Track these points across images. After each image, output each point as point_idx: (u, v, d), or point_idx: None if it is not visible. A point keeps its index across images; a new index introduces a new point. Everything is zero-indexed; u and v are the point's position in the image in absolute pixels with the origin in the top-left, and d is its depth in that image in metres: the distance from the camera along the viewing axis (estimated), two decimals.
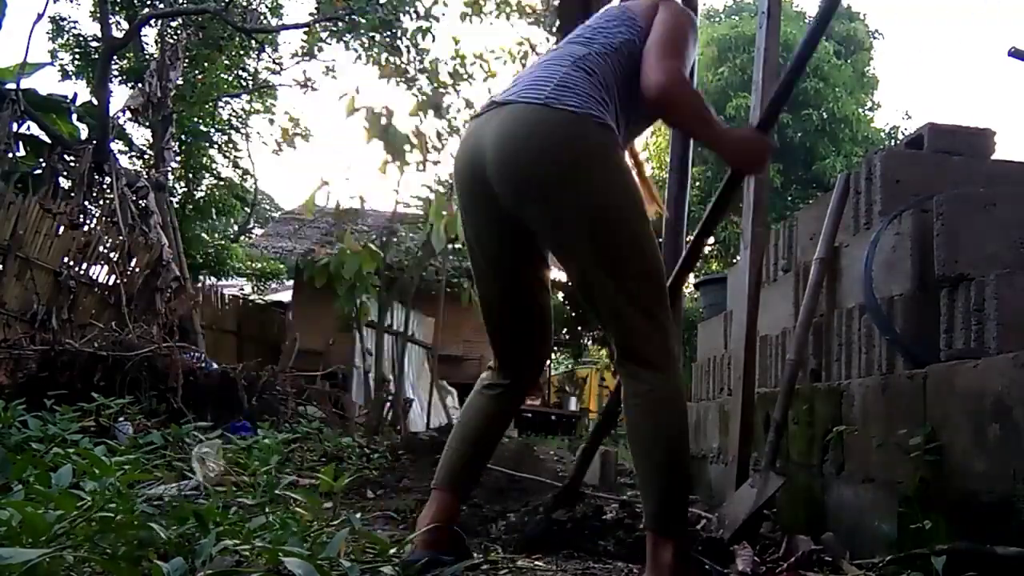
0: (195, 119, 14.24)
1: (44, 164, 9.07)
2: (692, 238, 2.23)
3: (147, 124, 11.09)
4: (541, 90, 1.67)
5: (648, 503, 1.64)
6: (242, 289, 17.61)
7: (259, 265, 18.08)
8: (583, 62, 1.73)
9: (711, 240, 17.55)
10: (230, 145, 16.36)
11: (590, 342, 21.11)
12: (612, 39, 1.78)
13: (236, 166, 16.65)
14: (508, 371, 1.91)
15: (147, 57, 12.70)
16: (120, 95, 12.76)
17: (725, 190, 1.99)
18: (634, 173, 1.84)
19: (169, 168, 10.51)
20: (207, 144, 15.50)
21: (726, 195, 2.00)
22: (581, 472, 2.53)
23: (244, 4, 13.02)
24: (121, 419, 3.90)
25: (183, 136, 13.55)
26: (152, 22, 11.77)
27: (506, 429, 2.03)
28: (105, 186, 8.88)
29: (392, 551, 1.72)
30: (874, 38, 19.59)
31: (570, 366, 25.12)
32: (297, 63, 14.64)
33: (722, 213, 2.09)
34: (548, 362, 1.85)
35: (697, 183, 15.97)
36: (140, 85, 10.47)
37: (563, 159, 1.63)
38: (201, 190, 15.77)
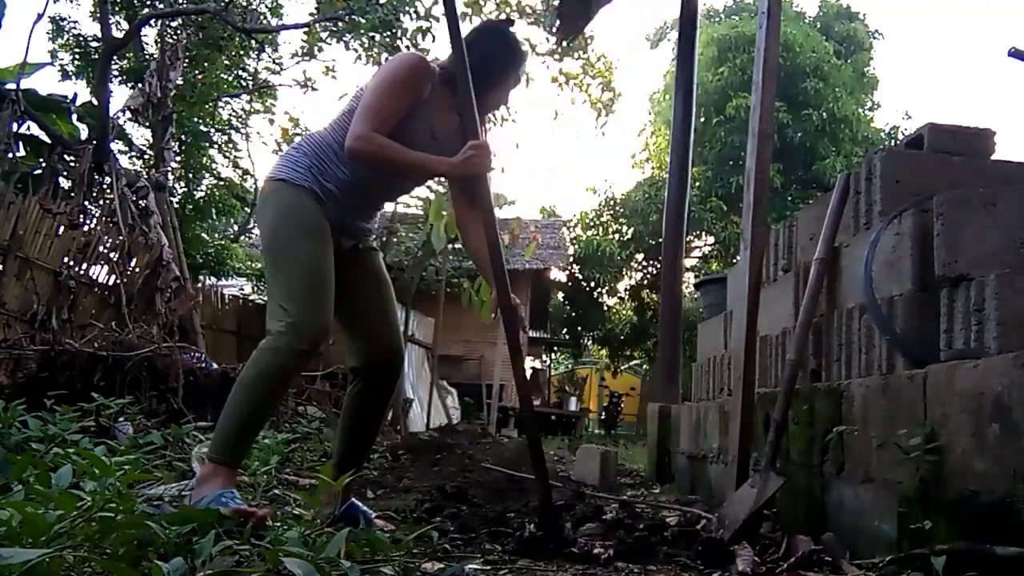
0: (195, 119, 14.24)
1: (44, 164, 9.06)
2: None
3: (147, 124, 11.08)
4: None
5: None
6: (242, 289, 17.61)
7: (259, 265, 18.09)
8: (300, 143, 2.37)
9: (711, 240, 17.58)
10: (230, 145, 16.37)
11: (590, 342, 21.14)
12: (336, 119, 2.32)
13: (236, 166, 16.66)
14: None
15: (147, 57, 12.70)
16: (120, 95, 12.76)
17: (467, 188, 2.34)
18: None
19: (169, 168, 10.49)
20: (207, 144, 15.48)
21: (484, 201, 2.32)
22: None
23: (244, 4, 13.01)
24: (121, 419, 3.90)
25: (183, 136, 13.54)
26: (152, 22, 11.75)
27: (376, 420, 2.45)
28: (105, 186, 8.87)
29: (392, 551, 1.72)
30: (874, 38, 19.61)
31: (570, 366, 25.15)
32: (297, 63, 14.65)
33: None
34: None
35: (697, 183, 15.97)
36: (140, 85, 10.46)
37: (258, 205, 2.42)
38: (201, 190, 15.77)
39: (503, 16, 11.39)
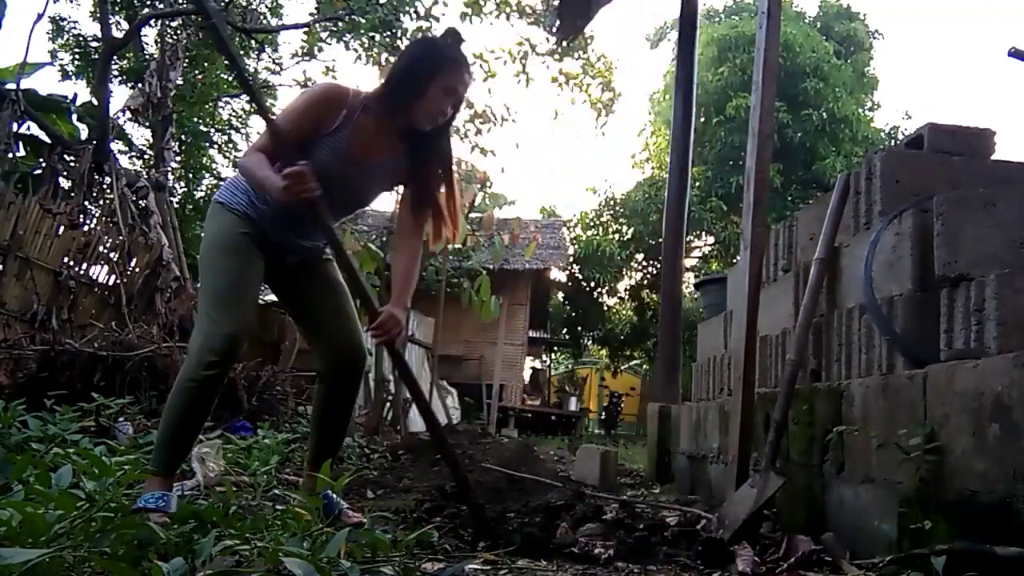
0: (195, 119, 14.25)
1: (44, 164, 9.06)
2: None
3: (147, 124, 11.08)
4: None
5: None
6: None
7: None
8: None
9: (711, 240, 17.58)
10: (230, 145, 16.38)
11: (590, 342, 21.14)
12: None
13: (236, 166, 16.65)
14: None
15: (147, 57, 12.70)
16: (120, 95, 12.77)
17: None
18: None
19: (169, 168, 10.49)
20: (207, 144, 15.50)
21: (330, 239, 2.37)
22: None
23: (244, 4, 13.01)
24: (121, 419, 3.90)
25: (183, 136, 13.56)
26: (152, 22, 11.76)
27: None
28: (105, 186, 8.87)
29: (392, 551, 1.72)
30: (874, 38, 19.60)
31: (570, 366, 25.14)
32: (297, 63, 14.67)
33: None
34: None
35: (697, 183, 15.97)
36: (140, 85, 10.46)
37: None
38: (201, 190, 15.78)
39: (503, 16, 11.41)
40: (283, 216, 2.33)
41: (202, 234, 2.46)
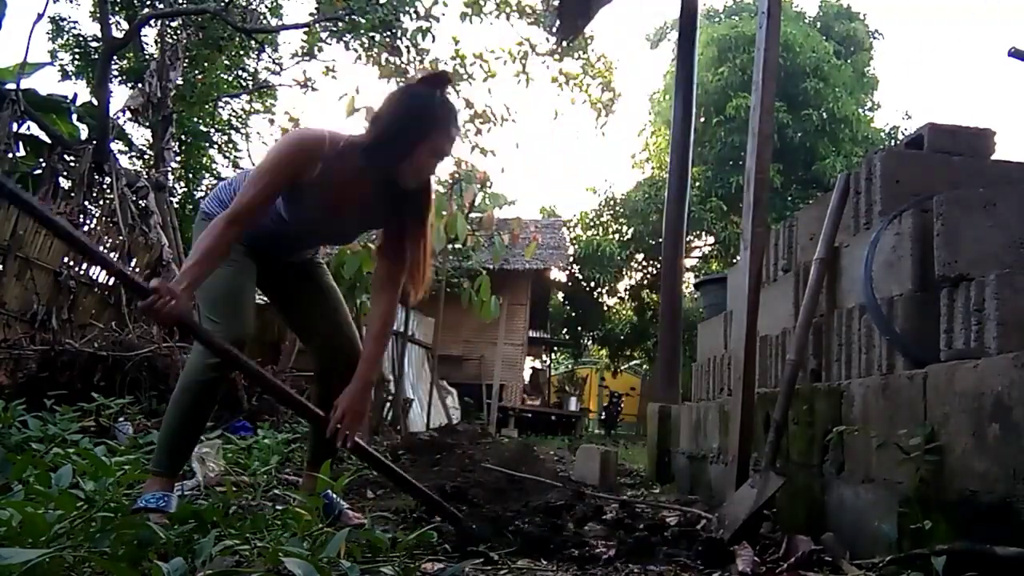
0: (195, 119, 14.25)
1: (44, 164, 9.05)
2: None
3: (147, 124, 11.08)
4: None
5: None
6: None
7: None
8: (231, 177, 2.51)
9: (711, 240, 17.59)
10: (230, 145, 16.38)
11: (590, 342, 21.14)
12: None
13: (236, 166, 16.65)
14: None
15: (147, 57, 12.70)
16: (120, 95, 12.77)
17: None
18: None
19: (169, 168, 10.50)
20: (207, 144, 15.49)
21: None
22: None
23: (244, 4, 13.01)
24: (121, 419, 3.91)
25: (183, 136, 13.56)
26: (152, 22, 11.75)
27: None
28: (105, 186, 8.87)
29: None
30: (874, 38, 19.60)
31: (570, 366, 25.15)
32: (297, 63, 14.64)
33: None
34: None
35: (697, 183, 15.98)
36: (140, 85, 10.46)
37: None
38: (201, 190, 15.77)
39: (503, 16, 11.40)
40: (265, 240, 2.36)
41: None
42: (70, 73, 13.86)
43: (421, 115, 2.15)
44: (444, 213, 5.51)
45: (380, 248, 2.42)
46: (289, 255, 2.50)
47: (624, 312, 19.36)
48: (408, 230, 2.33)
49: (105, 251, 7.96)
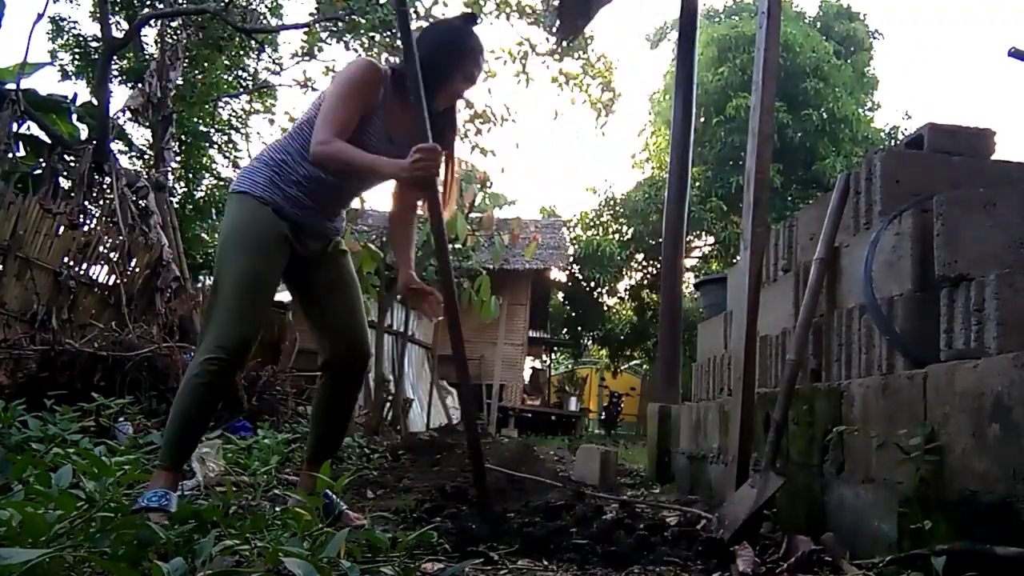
0: (195, 119, 14.25)
1: (44, 164, 9.06)
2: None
3: (147, 124, 11.09)
4: None
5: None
6: None
7: None
8: (261, 153, 2.45)
9: (711, 240, 17.59)
10: (230, 145, 16.38)
11: (590, 342, 21.14)
12: (296, 125, 2.43)
13: (236, 166, 16.65)
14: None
15: (147, 57, 12.70)
16: (120, 95, 12.77)
17: (432, 220, 2.43)
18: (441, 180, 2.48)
19: (169, 168, 10.50)
20: (207, 144, 15.49)
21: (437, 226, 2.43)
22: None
23: (244, 4, 13.01)
24: (121, 419, 3.90)
25: (183, 136, 13.56)
26: (152, 22, 11.75)
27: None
28: (105, 186, 8.88)
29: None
30: (874, 38, 19.61)
31: (570, 366, 25.15)
32: (297, 63, 14.66)
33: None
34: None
35: (697, 183, 15.98)
36: (140, 85, 10.46)
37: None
38: (201, 190, 15.78)
39: (503, 16, 11.40)
40: (317, 198, 2.34)
41: (219, 223, 2.49)
42: (70, 73, 13.87)
43: (453, 43, 2.38)
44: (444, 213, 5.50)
45: (399, 190, 2.59)
46: (331, 216, 2.46)
47: (624, 312, 19.37)
48: (447, 153, 2.47)
49: (105, 251, 7.98)
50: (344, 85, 2.29)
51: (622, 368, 21.04)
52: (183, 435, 2.22)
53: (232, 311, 2.20)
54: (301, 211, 2.33)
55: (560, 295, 19.75)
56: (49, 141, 9.25)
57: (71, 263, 7.45)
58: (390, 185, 2.59)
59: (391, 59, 11.75)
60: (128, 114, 10.90)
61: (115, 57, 11.20)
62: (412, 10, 10.89)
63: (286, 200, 2.30)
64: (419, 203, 2.64)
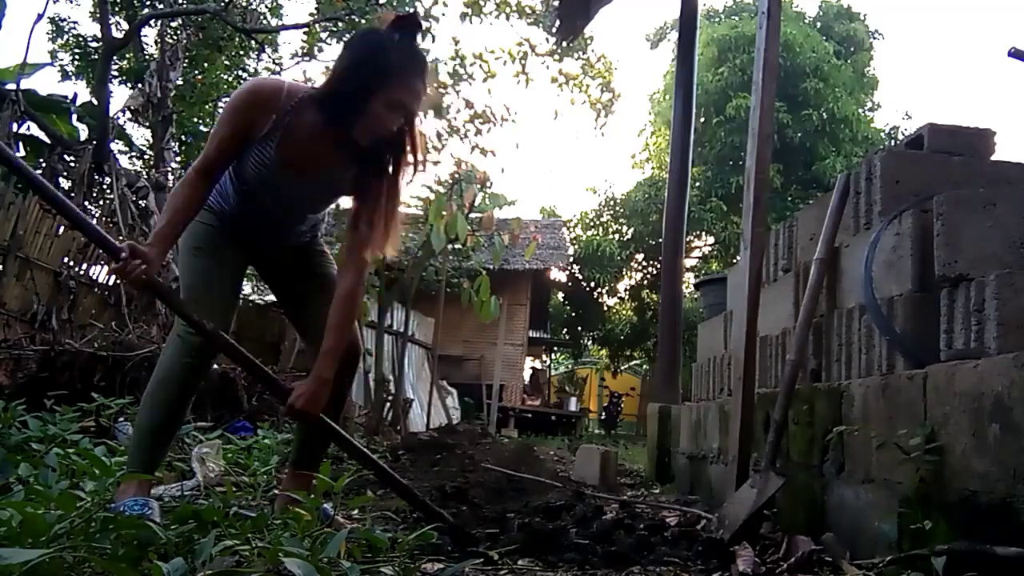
0: (195, 119, 14.24)
1: (44, 164, 9.06)
2: None
3: (147, 124, 11.09)
4: None
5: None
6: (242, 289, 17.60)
7: None
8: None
9: (711, 240, 17.59)
10: None
11: (590, 342, 21.14)
12: None
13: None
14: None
15: (147, 57, 12.70)
16: (120, 95, 12.78)
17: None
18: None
19: (169, 168, 10.50)
20: None
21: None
22: None
23: (244, 4, 13.01)
24: (121, 419, 3.90)
25: (183, 136, 13.55)
26: (152, 22, 11.76)
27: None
28: (105, 186, 8.88)
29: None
30: (874, 38, 19.61)
31: (570, 366, 25.14)
32: (297, 63, 14.65)
33: None
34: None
35: (697, 183, 15.98)
36: (140, 85, 10.47)
37: None
38: None
39: (503, 16, 11.40)
40: (248, 219, 2.24)
41: None
42: (70, 73, 13.87)
43: (372, 61, 1.93)
44: (444, 213, 5.50)
45: (353, 215, 2.18)
46: (275, 236, 2.32)
47: (624, 312, 19.37)
48: (376, 191, 2.11)
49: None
50: (226, 107, 2.11)
51: (622, 368, 21.04)
52: (155, 439, 2.12)
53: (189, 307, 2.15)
54: (242, 223, 2.24)
55: (560, 295, 19.76)
56: (49, 141, 9.26)
57: (71, 263, 7.45)
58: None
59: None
60: (128, 114, 10.91)
61: (115, 57, 11.20)
62: (412, 10, 10.89)
63: (225, 212, 2.23)
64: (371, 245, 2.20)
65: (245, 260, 2.34)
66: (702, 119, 16.26)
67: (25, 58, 9.16)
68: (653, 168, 19.43)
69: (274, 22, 13.78)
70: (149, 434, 2.12)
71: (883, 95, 30.39)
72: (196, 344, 2.10)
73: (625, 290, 19.08)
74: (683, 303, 7.42)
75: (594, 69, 12.41)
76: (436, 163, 6.54)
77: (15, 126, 8.85)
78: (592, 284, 18.13)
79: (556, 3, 9.04)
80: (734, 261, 14.35)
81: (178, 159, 13.16)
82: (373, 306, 6.35)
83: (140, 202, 8.97)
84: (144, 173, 10.25)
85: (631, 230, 17.73)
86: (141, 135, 13.36)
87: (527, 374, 18.29)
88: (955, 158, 2.55)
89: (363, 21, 10.82)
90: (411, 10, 11.26)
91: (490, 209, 8.16)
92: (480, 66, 11.39)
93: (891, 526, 1.99)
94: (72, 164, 9.04)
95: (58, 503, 1.58)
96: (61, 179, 8.99)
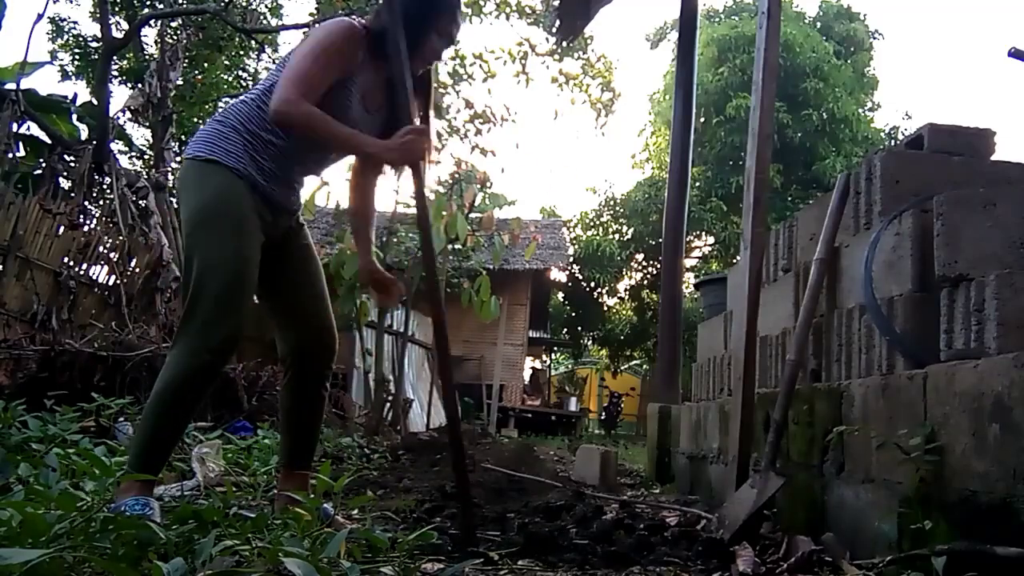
0: (195, 119, 14.25)
1: (44, 164, 9.07)
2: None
3: (147, 124, 11.10)
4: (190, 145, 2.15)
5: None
6: None
7: None
8: (219, 114, 2.17)
9: (711, 240, 17.58)
10: None
11: (590, 342, 21.14)
12: (259, 87, 2.20)
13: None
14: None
15: (147, 57, 12.71)
16: (120, 95, 12.79)
17: (419, 208, 2.24)
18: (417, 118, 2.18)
19: (169, 168, 10.51)
20: None
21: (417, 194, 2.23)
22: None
23: (244, 4, 13.02)
24: (121, 419, 3.90)
25: (183, 136, 13.55)
26: (152, 22, 11.76)
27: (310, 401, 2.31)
28: (105, 186, 8.89)
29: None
30: (874, 38, 19.62)
31: (570, 366, 25.14)
32: None
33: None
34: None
35: (697, 183, 15.98)
36: (140, 85, 10.47)
37: (180, 188, 2.16)
38: None
39: (503, 16, 11.41)
40: (288, 170, 2.15)
41: (182, 199, 2.12)
42: (70, 73, 13.89)
43: (429, 1, 2.16)
44: (444, 213, 5.50)
45: (362, 164, 2.39)
46: (299, 186, 2.26)
47: (624, 312, 19.38)
48: (425, 118, 2.27)
49: (105, 251, 7.98)
50: (320, 43, 2.04)
51: (622, 368, 21.04)
52: (163, 439, 2.00)
53: (221, 306, 1.97)
54: (274, 186, 2.11)
55: (560, 295, 19.75)
56: (49, 141, 9.26)
57: (71, 263, 7.45)
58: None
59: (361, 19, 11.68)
60: (128, 114, 10.91)
61: (115, 57, 11.20)
62: None
63: (260, 173, 2.07)
64: (380, 177, 2.42)
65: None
66: (702, 119, 16.26)
67: (25, 58, 9.17)
68: (653, 168, 19.43)
69: (274, 22, 13.80)
70: (158, 434, 2.00)
71: (883, 95, 30.42)
72: (220, 348, 1.98)
73: (625, 290, 19.09)
74: (683, 303, 7.42)
75: (594, 69, 12.42)
76: (436, 163, 6.54)
77: (15, 126, 8.85)
78: (592, 284, 18.13)
79: (556, 3, 9.04)
80: (734, 261, 14.35)
81: (178, 159, 13.17)
82: (373, 306, 6.35)
83: (140, 202, 8.97)
84: (144, 173, 10.25)
85: (631, 230, 17.74)
86: (141, 135, 13.39)
87: (527, 374, 18.29)
88: (955, 158, 2.54)
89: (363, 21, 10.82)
90: None
91: (490, 209, 8.16)
92: (480, 66, 11.41)
93: (891, 526, 1.99)
94: (72, 164, 9.04)
95: (58, 503, 1.58)
96: (61, 179, 9.00)
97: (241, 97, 2.22)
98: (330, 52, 2.04)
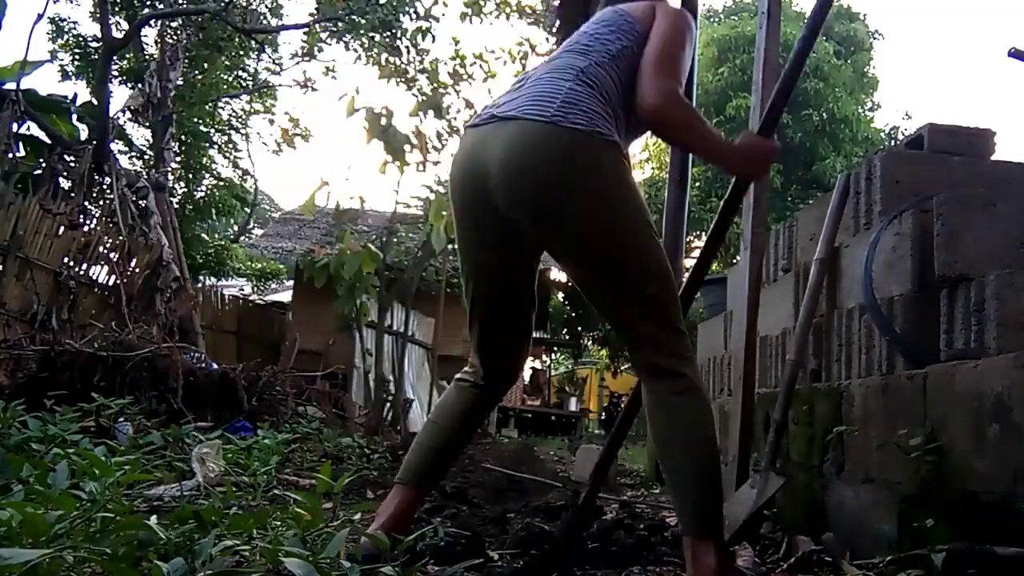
0: (195, 119, 14.24)
1: (44, 164, 9.06)
2: (701, 249, 2.23)
3: (147, 124, 11.09)
4: (546, 107, 1.65)
5: (686, 505, 1.63)
6: (242, 289, 17.62)
7: (259, 265, 18.09)
8: (584, 75, 1.72)
9: None
10: (230, 145, 16.37)
11: (590, 342, 21.12)
12: (610, 47, 1.78)
13: (236, 166, 16.65)
14: (488, 373, 2.04)
15: (147, 57, 12.69)
16: (120, 95, 12.77)
17: (730, 200, 2.02)
18: None
19: (169, 168, 10.52)
20: (207, 144, 15.49)
21: (732, 205, 2.02)
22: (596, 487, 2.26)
23: (244, 4, 13.01)
24: (121, 419, 3.90)
25: (183, 136, 13.55)
26: (152, 22, 11.76)
27: (477, 429, 2.08)
28: (105, 186, 8.88)
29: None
30: (874, 38, 19.60)
31: (570, 366, 25.13)
32: (297, 63, 14.64)
33: (728, 222, 2.07)
34: (525, 366, 1.98)
35: (697, 183, 15.99)
36: (140, 85, 10.47)
37: (573, 178, 1.63)
38: (201, 190, 15.77)
39: (503, 16, 11.40)
40: None
41: (592, 191, 1.65)
42: (70, 73, 13.86)
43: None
44: (444, 213, 5.50)
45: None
46: None
47: None
48: None
49: (105, 251, 7.98)
50: (685, 31, 1.78)
51: (622, 368, 21.00)
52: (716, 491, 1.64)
53: (679, 311, 1.73)
54: None
55: (560, 295, 19.74)
56: (49, 141, 9.25)
57: (71, 263, 7.45)
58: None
59: (391, 59, 11.73)
60: (128, 114, 10.91)
61: (115, 57, 11.20)
62: (412, 10, 10.90)
63: None
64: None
65: None
66: None
67: (25, 57, 9.16)
68: (653, 168, 19.41)
69: (274, 22, 13.78)
70: (718, 490, 1.66)
71: (883, 95, 30.42)
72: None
73: None
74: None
75: None
76: (436, 163, 6.54)
77: (15, 126, 8.85)
78: None
79: (556, 3, 9.04)
80: (734, 261, 14.35)
81: (178, 159, 13.18)
82: (373, 306, 6.35)
83: (140, 202, 8.97)
84: (144, 173, 10.24)
85: None
86: (141, 135, 13.37)
87: (527, 374, 18.29)
88: (955, 158, 2.55)
89: (363, 20, 10.82)
90: (414, 11, 11.23)
91: None
92: (480, 66, 11.39)
93: (891, 526, 1.99)
94: (72, 164, 9.03)
95: (58, 503, 1.58)
96: (61, 179, 8.99)
97: (593, 59, 1.76)
98: (686, 44, 1.79)
